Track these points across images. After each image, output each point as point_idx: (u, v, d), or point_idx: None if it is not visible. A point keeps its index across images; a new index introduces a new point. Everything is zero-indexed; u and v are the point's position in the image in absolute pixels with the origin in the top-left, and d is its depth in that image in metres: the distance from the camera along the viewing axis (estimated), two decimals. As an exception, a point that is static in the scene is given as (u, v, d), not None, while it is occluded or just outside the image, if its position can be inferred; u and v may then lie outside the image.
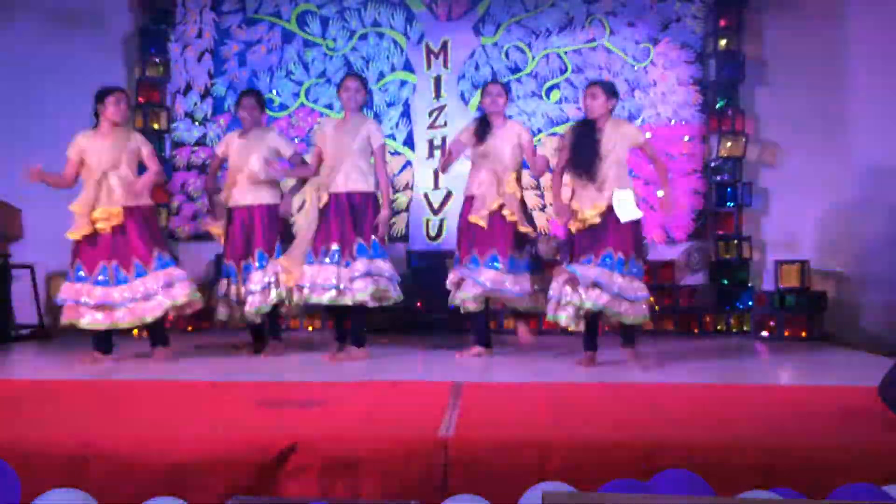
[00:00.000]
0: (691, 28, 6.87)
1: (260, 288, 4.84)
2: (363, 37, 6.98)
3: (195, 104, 6.97)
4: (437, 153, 6.85)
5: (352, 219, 4.77)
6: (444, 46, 6.96)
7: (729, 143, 6.68)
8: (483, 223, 4.78)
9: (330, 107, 6.92)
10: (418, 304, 6.35)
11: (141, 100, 6.78)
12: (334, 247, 4.75)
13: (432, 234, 6.87)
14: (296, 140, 6.68)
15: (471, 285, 4.77)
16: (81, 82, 5.76)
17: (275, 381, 4.06)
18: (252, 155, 4.96)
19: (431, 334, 6.08)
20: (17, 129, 6.37)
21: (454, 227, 5.30)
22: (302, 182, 5.13)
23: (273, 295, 4.87)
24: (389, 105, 6.93)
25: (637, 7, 6.88)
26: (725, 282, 6.63)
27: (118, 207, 4.58)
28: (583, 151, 4.47)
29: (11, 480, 2.32)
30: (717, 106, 6.75)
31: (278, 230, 5.03)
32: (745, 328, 6.50)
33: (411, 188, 6.90)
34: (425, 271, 6.28)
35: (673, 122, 6.85)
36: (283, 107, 6.94)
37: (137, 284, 4.58)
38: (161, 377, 4.15)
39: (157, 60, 6.88)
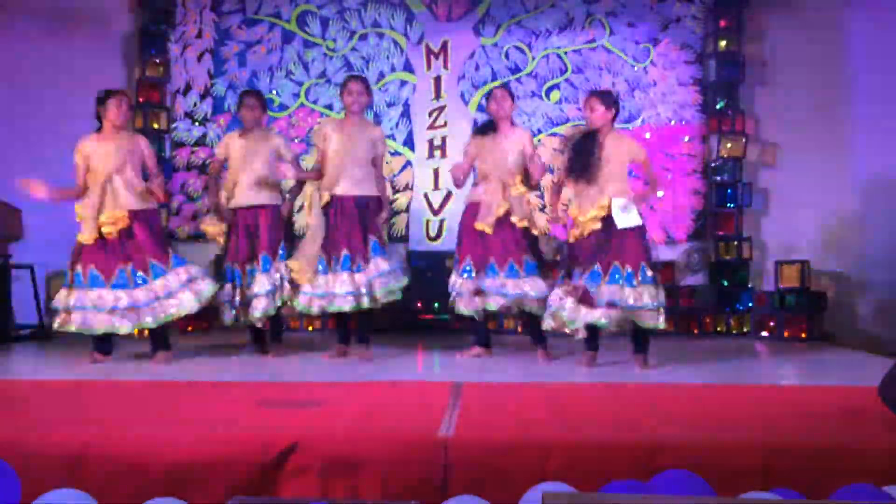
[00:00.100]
0: (691, 28, 6.87)
1: (265, 291, 4.85)
2: (363, 37, 6.98)
3: (195, 104, 6.97)
4: (437, 153, 6.87)
5: (361, 223, 4.82)
6: (444, 47, 6.96)
7: (729, 144, 6.69)
8: (489, 230, 4.75)
9: (330, 107, 6.92)
10: (418, 303, 6.35)
11: (141, 100, 6.77)
12: (344, 252, 4.78)
13: (432, 234, 6.87)
14: (296, 140, 6.69)
15: (496, 299, 4.73)
16: (81, 82, 5.78)
17: (275, 381, 4.06)
18: (256, 157, 4.97)
19: (431, 334, 6.08)
20: (17, 129, 6.37)
21: (454, 228, 5.30)
22: (301, 184, 5.15)
23: (278, 298, 4.88)
24: (389, 105, 6.93)
25: (637, 7, 6.88)
26: (725, 282, 6.63)
27: (124, 211, 4.59)
28: (582, 159, 4.46)
29: (11, 480, 2.32)
30: (717, 106, 6.75)
31: (282, 232, 5.05)
32: (745, 329, 6.50)
33: (411, 188, 6.90)
34: (425, 271, 6.28)
35: (673, 122, 6.85)
36: (282, 107, 6.94)
37: (159, 284, 4.60)
38: (161, 377, 4.15)
39: (157, 60, 6.88)
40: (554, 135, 6.65)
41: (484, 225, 4.76)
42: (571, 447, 2.55)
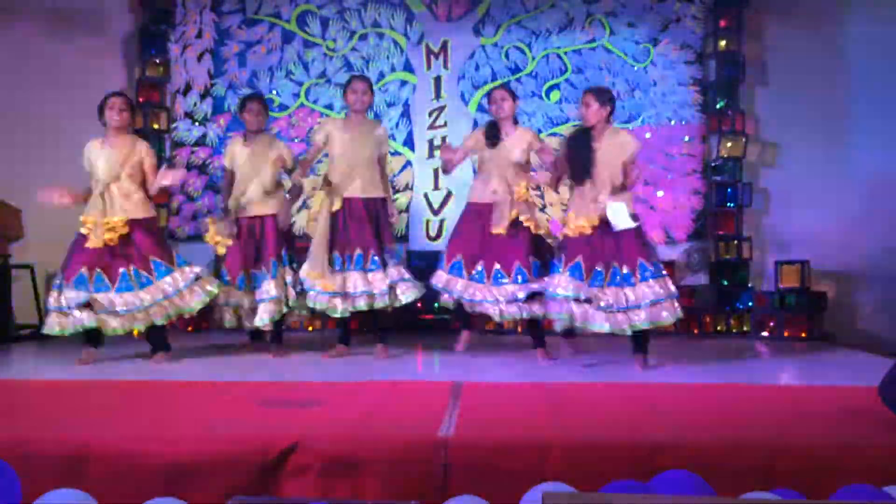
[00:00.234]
0: (691, 28, 6.87)
1: (272, 297, 4.86)
2: (363, 37, 6.98)
3: (195, 104, 6.97)
4: (437, 153, 6.85)
5: (373, 224, 4.86)
6: (444, 47, 6.97)
7: (729, 144, 6.69)
8: (504, 231, 4.72)
9: (330, 107, 6.92)
10: (418, 303, 6.34)
11: (141, 100, 6.78)
12: (358, 252, 4.80)
13: (432, 234, 6.87)
14: (296, 140, 6.69)
15: (511, 307, 4.68)
16: (81, 82, 5.78)
17: (275, 381, 4.06)
18: (263, 165, 4.99)
19: (431, 334, 6.08)
20: (17, 129, 6.36)
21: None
22: (300, 188, 5.18)
23: (284, 305, 4.91)
24: (389, 105, 6.93)
25: (637, 7, 6.88)
26: (725, 282, 6.63)
27: (121, 218, 4.59)
28: (578, 159, 4.44)
29: (11, 480, 2.32)
30: (717, 106, 6.75)
31: (286, 238, 5.09)
32: (745, 328, 6.50)
33: (411, 188, 6.90)
34: (425, 271, 6.26)
35: (673, 122, 6.85)
36: (283, 107, 6.94)
37: (166, 282, 4.61)
38: (161, 377, 4.15)
39: (158, 61, 6.88)
40: (554, 135, 6.64)
41: (500, 229, 4.74)
42: (571, 447, 2.55)
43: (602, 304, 4.30)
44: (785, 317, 6.21)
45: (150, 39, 6.89)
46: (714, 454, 2.52)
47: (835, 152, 6.45)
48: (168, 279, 4.63)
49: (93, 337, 4.68)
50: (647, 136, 6.78)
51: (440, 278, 4.85)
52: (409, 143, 6.93)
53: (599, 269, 4.34)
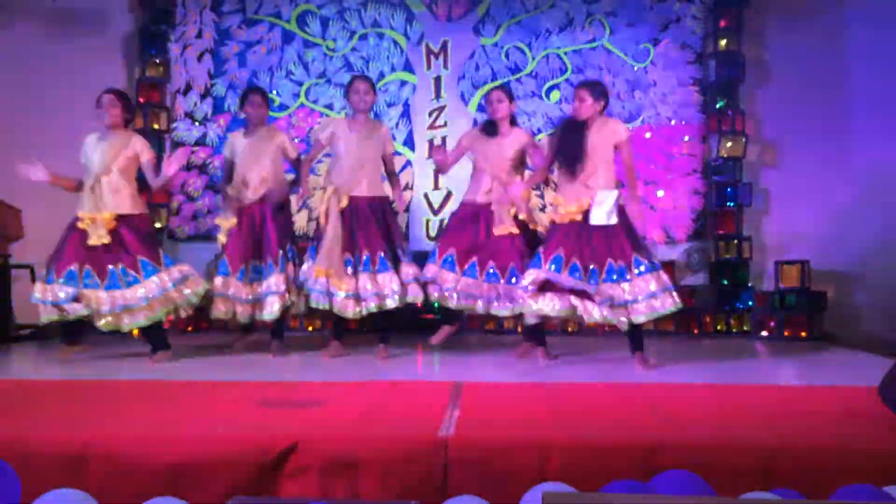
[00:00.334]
0: (691, 28, 6.87)
1: (277, 291, 4.85)
2: (363, 37, 6.98)
3: (195, 104, 6.97)
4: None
5: (380, 225, 4.87)
6: (444, 47, 6.97)
7: (729, 143, 6.69)
8: (506, 233, 4.75)
9: (330, 107, 6.92)
10: (418, 304, 6.34)
11: (141, 100, 6.78)
12: (366, 254, 4.82)
13: (432, 234, 6.87)
14: (296, 140, 6.69)
15: (503, 304, 4.75)
16: (81, 82, 5.78)
17: (275, 381, 4.06)
18: (264, 155, 4.99)
19: (431, 334, 6.06)
20: (17, 129, 6.37)
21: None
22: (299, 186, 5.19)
23: (288, 299, 4.90)
24: (389, 105, 6.93)
25: (637, 7, 6.88)
26: (725, 282, 6.63)
27: (109, 213, 4.59)
28: (569, 148, 4.44)
29: (11, 480, 2.32)
30: (717, 106, 6.75)
31: (290, 232, 5.09)
32: (745, 328, 6.50)
33: (411, 188, 6.90)
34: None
35: (673, 122, 6.85)
36: (282, 107, 6.94)
37: (152, 282, 4.60)
38: (161, 377, 4.15)
39: (158, 61, 6.88)
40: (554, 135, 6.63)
41: (503, 229, 4.75)
42: (571, 447, 2.55)
43: (599, 299, 4.31)
44: (785, 317, 6.21)
45: (150, 39, 6.90)
46: (714, 454, 2.52)
47: (835, 152, 6.45)
48: (155, 279, 4.61)
49: (72, 332, 4.70)
50: (647, 136, 6.78)
51: (430, 270, 4.87)
52: (409, 143, 6.94)
53: (594, 268, 4.34)
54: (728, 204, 6.66)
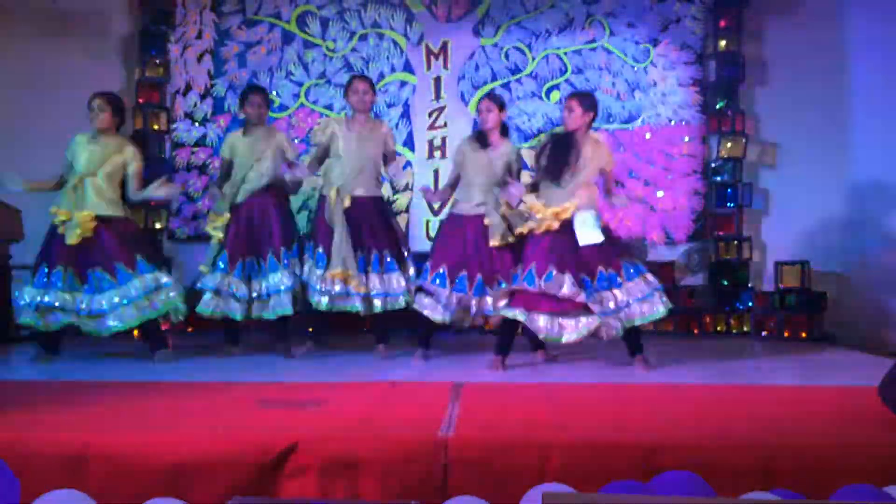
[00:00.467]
0: (691, 29, 6.86)
1: (286, 288, 4.85)
2: (363, 38, 6.98)
3: (195, 105, 6.97)
4: (437, 154, 6.86)
5: (381, 224, 4.91)
6: (444, 47, 6.96)
7: (729, 144, 6.68)
8: (503, 245, 4.74)
9: (330, 107, 6.92)
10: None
11: (141, 101, 6.77)
12: (374, 254, 4.84)
13: (432, 234, 6.86)
14: (296, 140, 6.69)
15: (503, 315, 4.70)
16: (81, 84, 5.76)
17: (275, 381, 4.06)
18: (263, 155, 4.99)
19: (431, 335, 6.06)
20: (17, 130, 6.36)
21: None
22: (298, 185, 5.20)
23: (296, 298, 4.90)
24: (389, 106, 6.93)
25: (637, 8, 6.87)
26: (725, 282, 6.63)
27: (89, 213, 4.58)
28: (556, 159, 4.44)
29: (11, 480, 2.32)
30: (717, 106, 6.75)
31: (292, 229, 5.07)
32: (745, 328, 6.50)
33: (411, 189, 6.90)
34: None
35: (673, 122, 6.85)
36: (283, 107, 6.93)
37: (124, 289, 4.58)
38: (161, 377, 4.15)
39: (157, 61, 6.87)
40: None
41: (495, 242, 4.73)
42: (571, 447, 2.55)
43: (597, 309, 4.31)
44: (785, 317, 6.21)
45: (150, 40, 6.88)
46: (714, 454, 2.52)
47: (835, 152, 6.45)
48: (127, 286, 4.59)
49: (49, 340, 4.72)
50: (647, 136, 6.78)
51: (425, 286, 4.82)
52: (409, 143, 6.93)
53: (585, 277, 4.35)
54: (728, 204, 6.66)
